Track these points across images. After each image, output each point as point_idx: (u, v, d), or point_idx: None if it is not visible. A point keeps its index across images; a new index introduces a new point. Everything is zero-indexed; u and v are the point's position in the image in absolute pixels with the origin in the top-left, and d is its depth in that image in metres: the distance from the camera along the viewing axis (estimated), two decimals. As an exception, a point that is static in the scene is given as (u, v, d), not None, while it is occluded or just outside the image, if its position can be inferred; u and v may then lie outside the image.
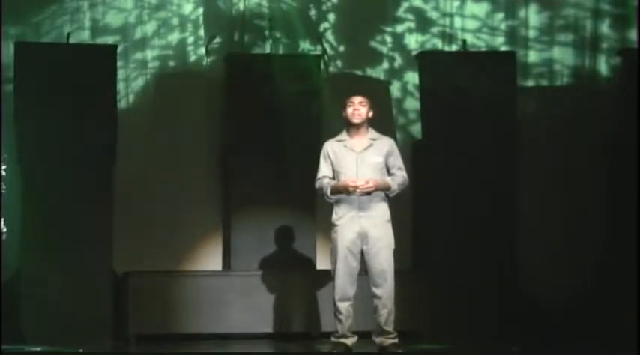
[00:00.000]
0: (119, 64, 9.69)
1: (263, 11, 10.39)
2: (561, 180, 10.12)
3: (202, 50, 10.30)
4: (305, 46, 10.42)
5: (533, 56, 10.48)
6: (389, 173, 8.05)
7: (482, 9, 10.55)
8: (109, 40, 10.09)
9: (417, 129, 10.25)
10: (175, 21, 10.36)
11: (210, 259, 10.15)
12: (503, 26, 10.53)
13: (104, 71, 9.52)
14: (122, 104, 10.04)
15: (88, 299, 9.22)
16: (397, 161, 8.09)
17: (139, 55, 10.23)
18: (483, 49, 10.45)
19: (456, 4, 10.51)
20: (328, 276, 8.25)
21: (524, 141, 9.94)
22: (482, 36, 10.52)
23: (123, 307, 9.47)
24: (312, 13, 10.50)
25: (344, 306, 7.95)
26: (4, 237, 9.38)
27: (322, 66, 10.25)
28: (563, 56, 10.49)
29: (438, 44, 10.50)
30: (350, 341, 8.03)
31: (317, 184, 8.11)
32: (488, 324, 9.41)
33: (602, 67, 10.43)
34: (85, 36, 10.09)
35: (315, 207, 9.74)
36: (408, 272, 9.46)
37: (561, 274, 9.90)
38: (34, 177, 9.30)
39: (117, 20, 10.20)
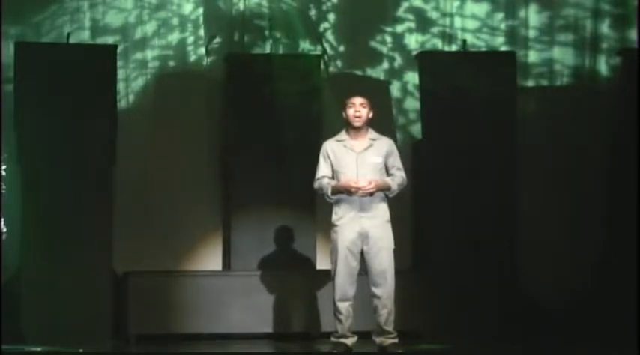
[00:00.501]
0: (119, 64, 9.69)
1: (263, 11, 10.39)
2: (561, 180, 10.13)
3: (202, 50, 10.30)
4: (305, 46, 10.42)
5: (533, 56, 10.48)
6: (388, 173, 8.06)
7: (482, 9, 10.55)
8: (109, 40, 10.09)
9: (417, 129, 10.25)
10: (175, 21, 10.36)
11: (210, 259, 10.15)
12: (503, 26, 10.53)
13: (104, 71, 9.52)
14: (122, 104, 10.04)
15: (88, 299, 9.22)
16: (396, 161, 8.09)
17: (139, 55, 10.23)
18: (483, 49, 10.45)
19: (456, 4, 10.52)
20: (328, 276, 8.25)
21: (524, 141, 9.94)
22: (482, 36, 10.53)
23: (123, 307, 9.47)
24: (312, 13, 10.50)
25: (344, 306, 7.95)
26: (4, 237, 9.39)
27: (322, 66, 10.25)
28: (563, 56, 10.49)
29: (438, 44, 10.50)
30: (350, 341, 8.03)
31: (316, 184, 8.11)
32: (488, 324, 9.41)
33: (602, 67, 10.43)
34: (85, 36, 10.09)
35: (315, 207, 9.74)
36: (408, 272, 9.45)
37: (561, 274, 9.90)
38: (34, 177, 9.30)
39: (117, 20, 10.20)
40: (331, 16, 10.53)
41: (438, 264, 9.63)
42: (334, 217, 8.02)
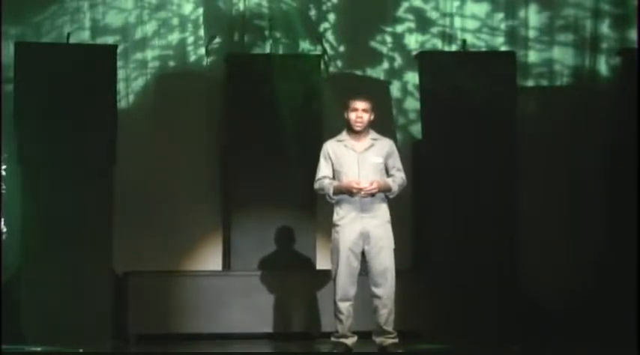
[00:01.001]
0: (119, 64, 9.68)
1: (263, 11, 10.39)
2: (561, 180, 10.12)
3: (202, 50, 10.30)
4: (305, 46, 10.42)
5: (533, 56, 10.48)
6: (388, 174, 8.06)
7: (482, 9, 10.54)
8: (109, 40, 10.09)
9: (417, 129, 10.24)
10: (175, 21, 10.36)
11: (210, 259, 10.15)
12: (503, 26, 10.53)
13: (104, 71, 9.52)
14: (122, 104, 10.04)
15: (88, 299, 9.22)
16: (396, 162, 8.10)
17: (139, 55, 10.23)
18: (483, 49, 10.45)
19: (456, 4, 10.51)
20: (328, 276, 8.25)
21: (524, 141, 9.94)
22: (483, 36, 10.52)
23: (123, 307, 9.47)
24: (312, 13, 10.50)
25: (344, 306, 7.95)
26: (4, 237, 9.39)
27: (322, 66, 10.25)
28: (563, 56, 10.49)
29: (438, 44, 10.50)
30: (350, 341, 8.03)
31: (317, 185, 8.11)
32: (488, 324, 9.40)
33: (602, 67, 10.43)
34: (85, 36, 10.09)
35: (315, 207, 9.74)
36: (408, 273, 9.45)
37: (561, 274, 9.90)
38: (34, 177, 9.30)
39: (117, 20, 10.20)
40: (331, 16, 10.53)
41: (438, 264, 9.63)
42: (335, 217, 8.02)
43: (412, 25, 10.56)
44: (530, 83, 10.46)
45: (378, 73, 10.53)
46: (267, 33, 10.31)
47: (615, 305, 9.48)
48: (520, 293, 9.68)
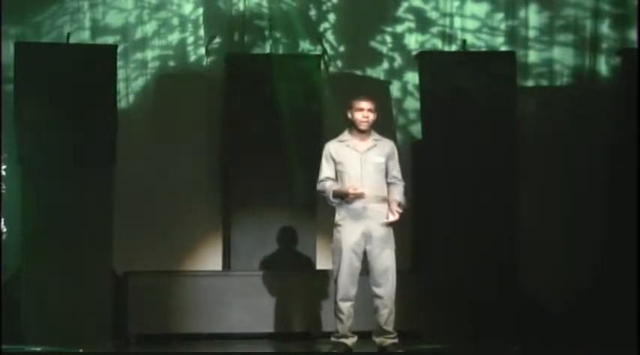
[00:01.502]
0: (119, 64, 9.68)
1: (263, 11, 10.39)
2: (561, 180, 10.12)
3: (202, 50, 10.30)
4: (305, 46, 10.42)
5: (533, 56, 10.48)
6: (387, 176, 8.07)
7: (482, 9, 10.55)
8: (109, 40, 10.09)
9: (417, 129, 10.25)
10: (175, 21, 10.37)
11: (210, 259, 10.15)
12: (503, 26, 10.53)
13: (104, 71, 9.52)
14: (122, 104, 10.04)
15: (88, 299, 9.22)
16: (396, 166, 8.12)
17: (139, 55, 10.23)
18: (483, 49, 10.45)
19: (456, 4, 10.51)
20: (328, 276, 8.26)
21: (524, 141, 9.94)
22: (482, 36, 10.53)
23: (123, 307, 9.47)
24: (312, 13, 10.50)
25: (345, 306, 7.95)
26: (4, 237, 9.39)
27: (322, 66, 10.25)
28: (563, 56, 10.49)
29: (438, 44, 10.50)
30: (350, 341, 8.03)
31: (319, 186, 8.10)
32: (488, 324, 9.40)
33: (602, 67, 10.43)
34: (85, 36, 10.09)
35: (315, 207, 9.73)
36: (408, 273, 9.44)
37: (561, 274, 9.90)
38: (34, 177, 9.30)
39: (117, 20, 10.20)
40: (331, 16, 10.53)
41: (438, 264, 9.63)
42: (337, 217, 8.01)
43: (412, 25, 10.56)
44: (530, 83, 10.46)
45: (378, 73, 10.53)
46: (267, 33, 10.31)
47: (615, 305, 9.48)
48: (520, 293, 9.68)
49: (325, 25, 10.53)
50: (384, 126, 8.55)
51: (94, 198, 9.34)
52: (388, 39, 10.56)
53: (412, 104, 10.45)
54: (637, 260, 9.45)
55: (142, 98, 10.23)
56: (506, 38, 10.52)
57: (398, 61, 10.54)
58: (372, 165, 8.01)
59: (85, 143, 9.32)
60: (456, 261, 9.57)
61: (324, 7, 10.52)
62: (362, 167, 7.99)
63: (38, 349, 8.72)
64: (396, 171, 8.10)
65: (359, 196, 7.89)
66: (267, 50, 10.28)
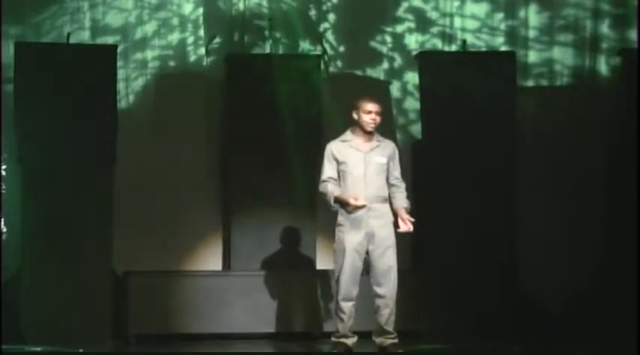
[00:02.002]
0: (119, 64, 9.68)
1: (263, 11, 10.39)
2: (561, 180, 10.12)
3: (202, 50, 10.30)
4: (305, 46, 10.42)
5: (533, 56, 10.48)
6: (388, 178, 8.07)
7: (482, 9, 10.55)
8: (109, 40, 10.09)
9: (417, 129, 10.25)
10: (175, 21, 10.36)
11: (210, 259, 10.15)
12: (503, 26, 10.54)
13: (104, 71, 9.52)
14: (122, 104, 10.04)
15: (88, 299, 9.21)
16: (397, 167, 8.16)
17: (139, 55, 10.23)
18: (483, 49, 10.45)
19: (456, 4, 10.51)
20: (328, 276, 8.25)
21: (524, 141, 9.94)
22: (482, 36, 10.53)
23: (123, 307, 9.47)
24: (312, 13, 10.50)
25: (347, 306, 7.95)
26: (4, 237, 9.38)
27: (322, 66, 10.25)
28: (563, 56, 10.49)
29: (438, 44, 10.50)
30: (350, 341, 8.03)
31: (321, 188, 8.10)
32: (488, 324, 9.40)
33: (602, 67, 10.43)
34: (85, 36, 10.09)
35: (315, 207, 9.73)
36: (408, 273, 9.42)
37: (561, 274, 9.90)
38: (34, 177, 9.29)
39: (117, 20, 10.20)
40: (331, 16, 10.53)
41: (438, 264, 9.63)
42: (340, 217, 8.01)
43: (412, 25, 10.56)
44: (530, 83, 10.46)
45: (378, 73, 10.53)
46: (267, 33, 10.31)
47: (615, 305, 9.48)
48: (520, 293, 9.68)
49: (325, 25, 10.53)
50: (384, 126, 8.53)
51: (94, 198, 9.34)
52: (388, 39, 10.56)
53: (412, 104, 10.45)
54: (637, 260, 9.45)
55: (142, 98, 10.23)
56: (506, 38, 10.52)
57: (398, 61, 10.54)
58: (375, 166, 8.02)
59: (85, 143, 9.32)
60: (456, 260, 9.57)
61: (324, 7, 10.52)
62: (365, 167, 8.00)
63: (38, 349, 8.72)
64: (397, 172, 8.14)
65: (359, 208, 7.90)
66: (267, 50, 10.28)
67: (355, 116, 8.07)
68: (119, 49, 9.73)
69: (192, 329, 9.50)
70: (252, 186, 9.89)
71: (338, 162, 8.04)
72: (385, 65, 10.54)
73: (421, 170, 9.90)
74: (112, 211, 9.43)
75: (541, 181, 10.12)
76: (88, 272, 9.25)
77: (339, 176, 8.05)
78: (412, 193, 9.72)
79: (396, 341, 8.03)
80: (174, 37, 10.34)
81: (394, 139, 8.91)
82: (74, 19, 10.08)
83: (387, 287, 7.96)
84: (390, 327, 7.99)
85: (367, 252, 7.98)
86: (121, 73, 9.90)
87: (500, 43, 10.52)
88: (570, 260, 9.95)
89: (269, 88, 9.93)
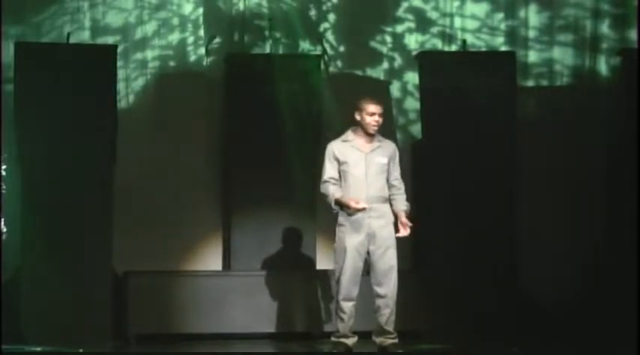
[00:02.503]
0: (119, 64, 9.68)
1: (263, 11, 10.39)
2: (561, 180, 10.12)
3: (202, 50, 10.29)
4: (305, 46, 10.42)
5: (533, 56, 10.48)
6: (388, 178, 8.08)
7: (482, 9, 10.55)
8: (109, 40, 10.09)
9: (417, 129, 10.25)
10: (175, 21, 10.36)
11: (210, 259, 10.15)
12: (503, 26, 10.54)
13: (104, 71, 9.52)
14: (122, 104, 10.04)
15: (88, 299, 9.21)
16: (397, 168, 8.18)
17: (139, 55, 10.23)
18: (483, 49, 10.45)
19: (456, 4, 10.52)
20: (329, 276, 8.25)
21: (524, 141, 9.94)
22: (482, 36, 10.53)
23: (123, 307, 9.47)
24: (312, 13, 10.50)
25: (347, 306, 7.96)
26: (4, 237, 9.39)
27: (322, 66, 10.25)
28: (563, 56, 10.49)
29: (438, 44, 10.50)
30: (350, 341, 8.03)
31: (322, 188, 8.10)
32: (488, 324, 9.40)
33: (602, 67, 10.44)
34: (85, 36, 10.09)
35: (316, 207, 9.73)
36: (408, 273, 9.42)
37: (561, 274, 9.90)
38: (34, 177, 9.29)
39: (117, 20, 10.20)
40: (331, 16, 10.53)
41: (438, 264, 9.63)
42: (341, 218, 8.02)
43: (412, 25, 10.56)
44: (530, 83, 10.46)
45: (378, 73, 10.53)
46: (267, 33, 10.31)
47: (615, 305, 9.48)
48: (520, 293, 9.68)
49: (325, 25, 10.53)
50: (384, 126, 8.54)
51: (94, 198, 9.34)
52: (388, 39, 10.56)
53: (412, 104, 10.45)
54: (637, 260, 9.45)
55: (142, 98, 10.23)
56: (506, 38, 10.52)
57: (398, 61, 10.54)
58: (376, 166, 8.03)
59: (85, 143, 9.32)
60: (456, 260, 9.57)
61: (324, 7, 10.52)
62: (366, 168, 8.00)
63: (38, 349, 8.72)
64: (397, 172, 8.16)
65: (360, 211, 7.91)
66: (267, 50, 10.28)
67: (358, 117, 8.07)
68: (119, 49, 9.73)
69: (192, 329, 9.50)
70: (252, 186, 9.89)
71: (339, 163, 8.05)
72: (385, 65, 10.54)
73: (421, 170, 9.90)
74: (112, 211, 9.43)
75: (541, 181, 10.12)
76: (88, 272, 9.25)
77: (340, 176, 8.05)
78: (412, 193, 9.73)
79: (396, 341, 8.03)
80: (174, 37, 10.34)
81: (394, 139, 8.91)
82: (74, 19, 10.08)
83: (388, 287, 7.96)
84: (390, 327, 7.99)
85: (368, 252, 7.99)
86: (121, 73, 9.90)
87: (500, 43, 10.52)
88: (570, 260, 9.95)
89: (269, 87, 9.93)
